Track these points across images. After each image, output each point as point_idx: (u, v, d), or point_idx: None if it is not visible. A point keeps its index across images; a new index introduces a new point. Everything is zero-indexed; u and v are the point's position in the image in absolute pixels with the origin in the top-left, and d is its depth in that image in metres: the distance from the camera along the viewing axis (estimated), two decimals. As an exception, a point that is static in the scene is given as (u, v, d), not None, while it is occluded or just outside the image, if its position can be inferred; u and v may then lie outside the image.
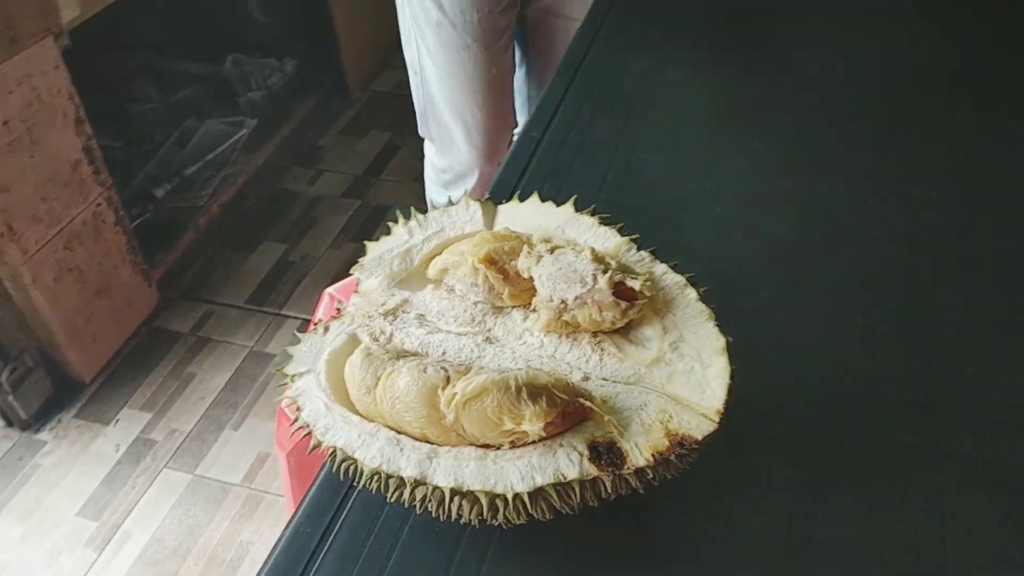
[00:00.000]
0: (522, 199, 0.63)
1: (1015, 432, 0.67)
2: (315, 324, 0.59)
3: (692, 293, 0.56)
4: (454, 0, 1.29)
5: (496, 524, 0.52)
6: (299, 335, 0.58)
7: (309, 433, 0.53)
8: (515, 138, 1.02)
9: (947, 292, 0.79)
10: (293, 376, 0.56)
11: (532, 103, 1.64)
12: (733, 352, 0.54)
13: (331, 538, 0.59)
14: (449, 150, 1.59)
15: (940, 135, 0.99)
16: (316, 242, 2.33)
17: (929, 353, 0.73)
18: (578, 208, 0.62)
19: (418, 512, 0.52)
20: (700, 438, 0.51)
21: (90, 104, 1.84)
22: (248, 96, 2.65)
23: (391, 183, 2.52)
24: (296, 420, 0.54)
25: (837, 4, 1.25)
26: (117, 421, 1.89)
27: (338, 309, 0.60)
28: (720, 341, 0.54)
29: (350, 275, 0.90)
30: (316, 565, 0.57)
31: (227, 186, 2.40)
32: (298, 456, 1.25)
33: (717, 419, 0.51)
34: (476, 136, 1.47)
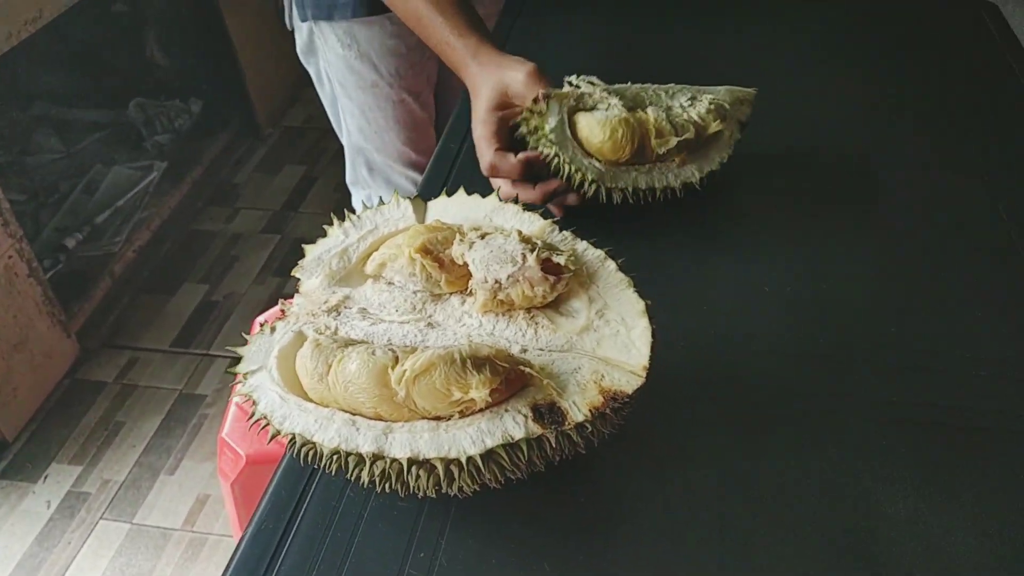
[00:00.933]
0: (448, 195, 0.68)
1: (920, 373, 0.74)
2: (261, 324, 0.61)
3: (612, 264, 0.61)
4: (387, 61, 1.32)
5: (452, 495, 0.56)
6: (245, 336, 0.61)
7: (267, 425, 0.55)
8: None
9: (841, 259, 0.87)
10: (246, 374, 0.58)
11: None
12: (654, 314, 0.59)
13: (294, 529, 0.61)
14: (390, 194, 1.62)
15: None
16: (238, 280, 2.32)
17: (839, 310, 0.81)
18: (501, 199, 0.66)
19: (378, 489, 0.55)
20: (630, 392, 0.55)
21: (-8, 156, 1.80)
22: (156, 139, 2.62)
23: (310, 215, 2.53)
24: (252, 415, 0.56)
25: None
26: (46, 477, 1.83)
27: (282, 310, 0.63)
28: (640, 304, 0.59)
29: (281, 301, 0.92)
30: (282, 556, 0.60)
31: (141, 231, 2.36)
32: (242, 485, 1.25)
33: (644, 374, 0.56)
34: (415, 174, 1.51)
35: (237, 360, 0.60)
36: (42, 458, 1.88)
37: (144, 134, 2.63)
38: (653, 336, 0.58)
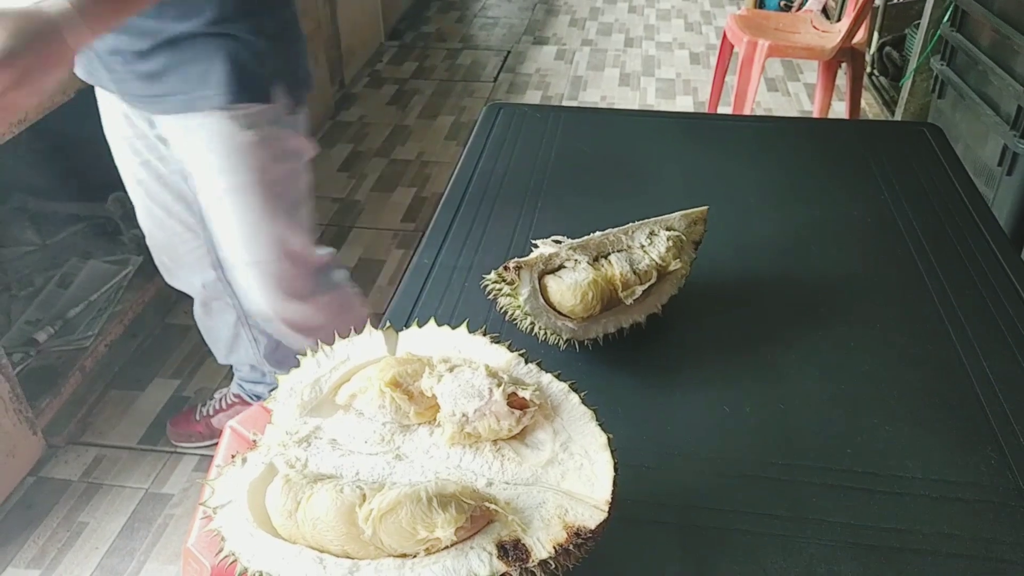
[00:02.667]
0: (420, 325, 0.70)
1: (874, 496, 0.76)
2: (232, 456, 0.63)
3: (575, 397, 0.64)
4: None
5: (417, 630, 0.56)
6: (219, 467, 0.62)
7: (235, 561, 0.56)
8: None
9: (798, 379, 0.90)
10: (216, 508, 0.59)
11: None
12: (615, 447, 0.62)
13: (258, 664, 0.61)
14: None
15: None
16: (210, 375, 2.31)
17: (795, 431, 0.83)
18: (471, 330, 0.69)
19: (343, 626, 0.56)
20: (593, 527, 0.57)
21: (-32, 253, 1.81)
22: (133, 233, 2.64)
23: (284, 310, 2.54)
24: (221, 550, 0.57)
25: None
26: (1, 583, 1.78)
27: (254, 441, 0.64)
28: (603, 438, 0.61)
29: (251, 407, 0.93)
30: None
31: (114, 325, 2.36)
32: (207, 596, 1.23)
33: (606, 508, 0.58)
34: None
35: (205, 459, 0.61)
36: (-1, 561, 1.83)
37: (122, 228, 2.65)
38: (615, 470, 0.60)
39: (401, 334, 0.69)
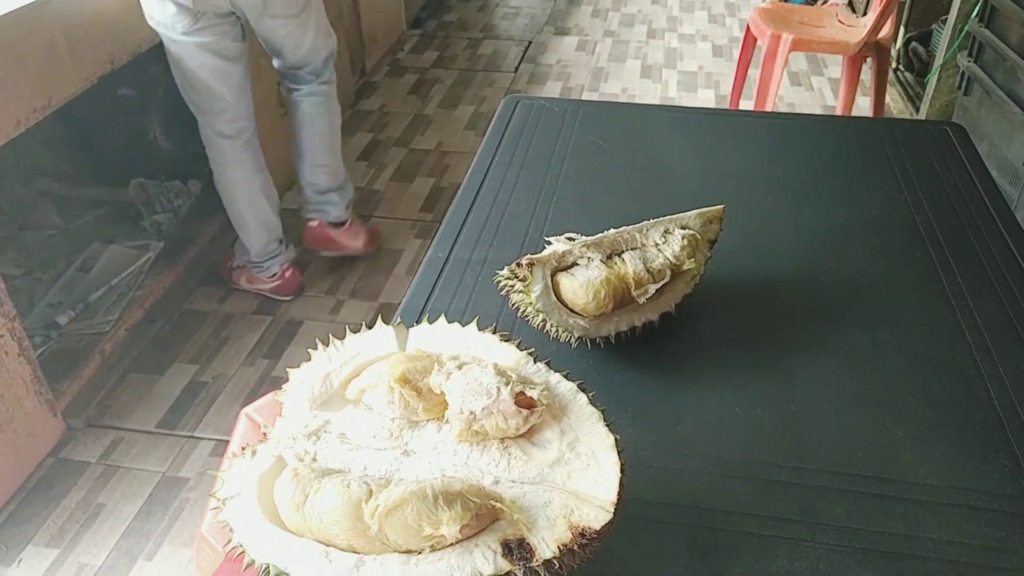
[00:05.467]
0: (431, 321, 0.70)
1: (887, 502, 0.76)
2: (243, 448, 0.63)
3: (583, 397, 0.64)
4: None
5: (421, 625, 0.57)
6: (229, 459, 0.63)
7: (242, 553, 0.57)
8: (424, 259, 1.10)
9: (811, 381, 0.90)
10: (225, 500, 0.60)
11: None
12: (624, 447, 0.62)
13: (265, 654, 0.62)
14: None
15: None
16: (228, 361, 2.33)
17: (808, 433, 0.83)
18: (481, 326, 0.69)
19: (348, 619, 0.56)
20: (598, 528, 0.57)
21: (-9, 235, 1.84)
22: (154, 219, 2.67)
23: (302, 298, 2.56)
24: (230, 541, 0.57)
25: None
26: (20, 561, 1.81)
27: (264, 433, 0.65)
28: (610, 439, 0.61)
29: (267, 394, 0.94)
30: None
31: (134, 309, 2.39)
32: (219, 581, 1.24)
33: (612, 510, 0.58)
34: None
35: (221, 444, 0.61)
36: (19, 540, 1.86)
37: (143, 213, 2.68)
38: (622, 471, 0.60)
39: (411, 330, 0.70)
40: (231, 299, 2.56)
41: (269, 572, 0.56)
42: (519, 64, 4.18)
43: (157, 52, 2.23)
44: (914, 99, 3.47)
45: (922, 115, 3.23)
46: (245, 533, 0.57)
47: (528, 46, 4.38)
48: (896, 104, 3.57)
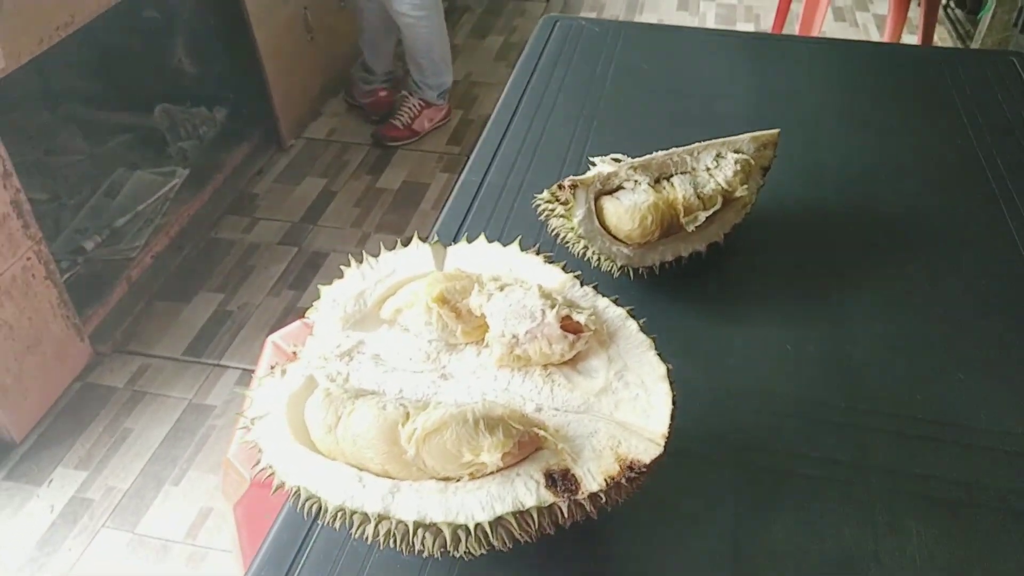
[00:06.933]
0: (468, 241, 0.66)
1: (945, 446, 0.72)
2: (272, 367, 0.60)
3: (633, 324, 0.59)
4: None
5: (458, 556, 0.54)
6: (259, 378, 0.60)
7: (272, 474, 0.54)
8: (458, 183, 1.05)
9: (866, 319, 0.85)
10: (253, 419, 0.57)
11: None
12: (675, 372, 0.58)
13: (294, 579, 0.59)
14: None
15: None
16: (254, 291, 2.32)
17: (863, 372, 0.79)
18: (523, 248, 0.65)
19: (381, 548, 0.53)
20: (648, 461, 0.53)
21: (16, 157, 1.81)
22: (179, 145, 2.63)
23: (328, 229, 2.53)
24: (258, 463, 0.55)
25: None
26: (51, 481, 1.83)
27: (294, 352, 0.62)
28: (661, 368, 0.57)
29: (293, 322, 0.90)
30: (279, 607, 0.58)
31: (160, 237, 2.37)
32: (246, 508, 1.24)
33: (663, 443, 0.54)
34: None
35: (247, 374, 0.59)
36: (48, 461, 1.88)
37: (168, 139, 2.64)
38: (674, 403, 0.56)
39: (449, 249, 0.66)
40: (257, 228, 2.53)
41: (300, 495, 0.53)
42: (552, -6, 4.04)
43: (182, -29, 2.16)
44: (964, 38, 3.32)
45: (973, 54, 3.08)
46: (274, 454, 0.54)
47: (561, -24, 4.22)
48: (945, 44, 3.42)
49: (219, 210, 2.58)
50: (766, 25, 3.64)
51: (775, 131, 0.89)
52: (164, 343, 2.16)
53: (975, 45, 3.07)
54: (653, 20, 3.79)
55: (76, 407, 1.99)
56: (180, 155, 2.62)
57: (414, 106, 2.89)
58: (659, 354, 0.59)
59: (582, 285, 0.62)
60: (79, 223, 2.34)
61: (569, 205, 0.80)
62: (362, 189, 2.67)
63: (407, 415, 0.52)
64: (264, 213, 2.59)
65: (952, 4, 3.53)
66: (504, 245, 0.66)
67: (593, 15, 3.84)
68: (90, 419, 1.96)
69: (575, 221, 0.80)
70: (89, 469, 1.86)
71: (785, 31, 3.30)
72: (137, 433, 1.94)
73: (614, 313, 0.61)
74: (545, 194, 0.82)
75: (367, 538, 0.53)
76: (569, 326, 0.58)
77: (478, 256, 0.65)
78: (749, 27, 3.70)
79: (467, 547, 0.52)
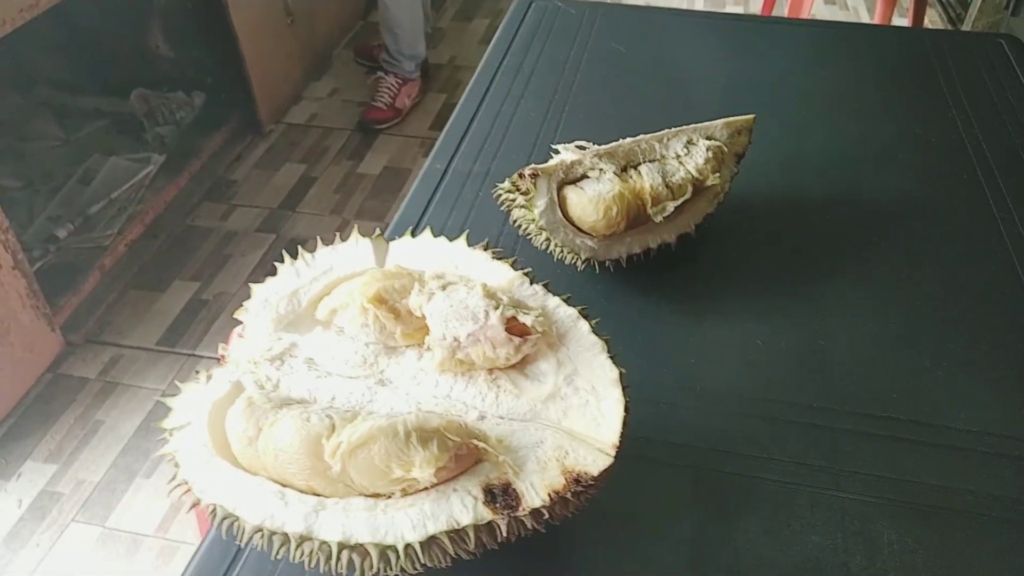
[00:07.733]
0: (433, 234, 0.62)
1: (920, 448, 0.68)
2: (197, 372, 0.56)
3: (585, 325, 0.55)
4: None
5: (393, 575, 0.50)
6: (179, 384, 0.55)
7: (189, 491, 0.50)
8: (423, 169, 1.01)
9: (843, 312, 0.81)
10: (171, 430, 0.53)
11: None
12: (629, 383, 0.54)
13: (221, 599, 0.56)
14: None
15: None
16: (230, 279, 2.27)
17: (836, 370, 0.75)
18: (470, 243, 0.61)
19: (307, 569, 0.49)
20: (596, 474, 0.50)
21: (-17, 143, 1.76)
22: (156, 131, 2.57)
23: (307, 216, 2.48)
24: (174, 477, 0.51)
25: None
26: (19, 475, 1.79)
27: (223, 356, 0.57)
28: (614, 372, 0.53)
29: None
30: (205, 629, 0.54)
31: (134, 224, 2.31)
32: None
33: (613, 453, 0.50)
34: None
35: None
36: (18, 455, 1.83)
37: (145, 125, 2.58)
38: (626, 409, 0.52)
39: (392, 244, 0.61)
40: (235, 215, 2.48)
41: (216, 513, 0.49)
42: (540, -23, 3.97)
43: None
44: (954, 20, 3.27)
45: (965, 37, 3.04)
46: (191, 469, 0.50)
47: (550, -42, 4.15)
48: (935, 26, 3.37)
49: (196, 197, 2.53)
50: (756, 7, 3.58)
51: (750, 116, 0.85)
52: (138, 333, 2.11)
53: (966, 27, 3.02)
54: (640, 2, 3.73)
55: (46, 399, 1.95)
56: (157, 141, 2.56)
57: (392, 85, 2.85)
58: (613, 357, 0.55)
59: (532, 283, 0.58)
60: (52, 211, 2.28)
61: (530, 195, 0.76)
62: (343, 175, 2.61)
63: (333, 427, 0.48)
64: (242, 200, 2.54)
65: (945, -14, 3.48)
66: (452, 238, 0.62)
67: (581, -3, 3.77)
68: (61, 411, 1.92)
69: (536, 212, 0.76)
70: (59, 462, 1.81)
71: (775, 13, 3.25)
72: (109, 425, 1.89)
73: (565, 313, 0.56)
74: (506, 183, 0.78)
75: (292, 559, 0.49)
76: (515, 328, 0.54)
77: (422, 251, 0.60)
78: (738, 9, 3.64)
79: (398, 569, 0.48)
